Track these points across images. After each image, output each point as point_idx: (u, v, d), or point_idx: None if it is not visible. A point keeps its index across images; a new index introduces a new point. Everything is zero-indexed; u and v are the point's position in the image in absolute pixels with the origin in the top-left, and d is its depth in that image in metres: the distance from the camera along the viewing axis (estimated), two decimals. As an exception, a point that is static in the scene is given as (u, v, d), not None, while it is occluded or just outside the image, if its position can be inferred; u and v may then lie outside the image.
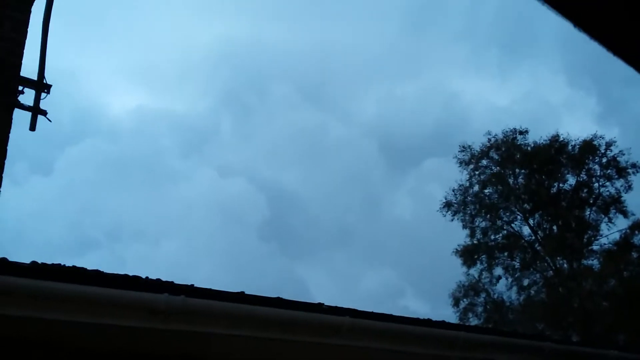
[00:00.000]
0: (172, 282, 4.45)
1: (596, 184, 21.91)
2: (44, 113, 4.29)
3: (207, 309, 3.68)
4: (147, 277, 4.49)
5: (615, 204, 21.40)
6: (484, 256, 23.04)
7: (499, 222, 23.00)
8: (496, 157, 23.17)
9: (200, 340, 3.84)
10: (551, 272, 21.49)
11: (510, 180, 22.98)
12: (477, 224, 23.19)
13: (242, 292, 5.00)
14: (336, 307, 5.20)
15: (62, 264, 4.20)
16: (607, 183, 21.66)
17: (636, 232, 20.71)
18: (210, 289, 4.55)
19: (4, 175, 3.96)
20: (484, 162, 23.40)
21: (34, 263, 3.87)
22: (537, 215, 22.57)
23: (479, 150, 23.22)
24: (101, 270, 4.47)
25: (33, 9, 4.24)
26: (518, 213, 22.88)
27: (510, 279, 22.38)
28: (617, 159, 21.39)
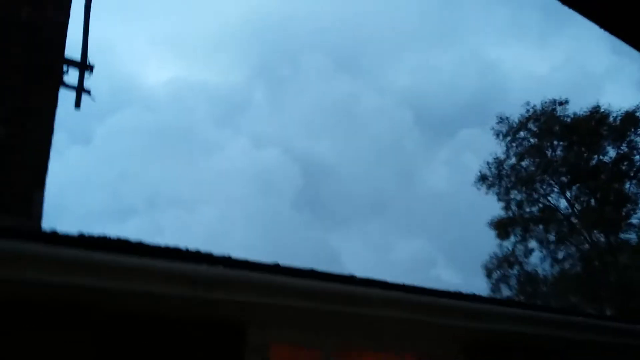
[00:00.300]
0: (210, 253, 4.68)
1: (637, 157, 21.37)
2: (88, 92, 4.48)
3: (243, 279, 3.87)
4: (186, 248, 4.73)
5: (656, 177, 20.89)
6: (518, 229, 22.88)
7: (535, 195, 22.74)
8: (534, 128, 22.77)
9: (237, 308, 4.05)
10: (587, 245, 21.23)
11: (548, 153, 22.60)
12: (512, 196, 22.99)
13: (277, 264, 5.21)
14: (367, 279, 5.37)
15: (107, 235, 4.46)
16: (649, 156, 21.12)
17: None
18: (247, 260, 4.76)
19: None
20: (522, 134, 23.04)
21: (81, 235, 4.13)
22: (574, 188, 22.21)
23: (516, 121, 22.85)
24: (143, 241, 4.73)
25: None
26: (555, 186, 22.56)
27: (544, 252, 22.21)
28: (661, 130, 20.78)
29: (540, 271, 22.12)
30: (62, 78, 4.19)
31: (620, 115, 21.06)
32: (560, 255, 21.95)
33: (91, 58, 4.59)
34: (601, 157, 21.84)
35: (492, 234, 22.94)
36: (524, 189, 22.77)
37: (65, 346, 3.41)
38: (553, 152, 22.68)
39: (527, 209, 22.87)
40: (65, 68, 4.26)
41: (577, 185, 22.04)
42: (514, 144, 22.98)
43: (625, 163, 21.32)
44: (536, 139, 22.67)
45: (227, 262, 3.85)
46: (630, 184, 21.28)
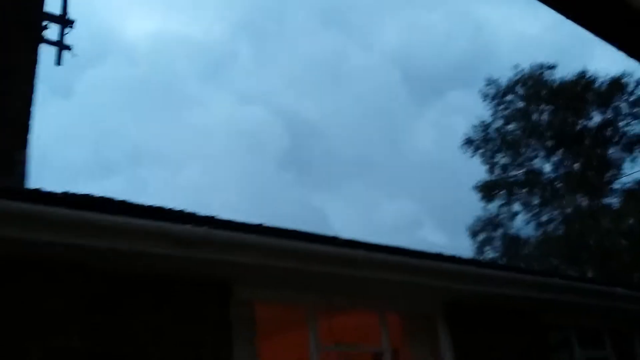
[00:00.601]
0: (196, 213, 4.70)
1: (622, 123, 21.52)
2: (69, 48, 4.40)
3: (227, 240, 3.91)
4: (172, 208, 4.74)
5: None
6: (503, 192, 23.10)
7: (520, 159, 22.89)
8: (522, 92, 22.78)
9: (222, 267, 4.09)
10: (570, 209, 21.55)
11: (535, 117, 22.68)
12: (497, 160, 23.13)
13: (261, 224, 5.24)
14: (352, 240, 5.43)
15: (92, 194, 4.45)
16: (634, 122, 21.26)
17: (660, 171, 20.52)
18: (231, 221, 4.79)
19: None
20: (509, 97, 23.04)
21: (65, 193, 4.11)
22: (559, 153, 22.39)
23: (505, 84, 22.82)
24: (128, 200, 4.72)
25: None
26: (540, 150, 22.71)
27: (528, 215, 22.50)
28: (646, 97, 20.88)
29: (523, 234, 22.48)
30: (42, 34, 4.10)
31: (607, 82, 21.13)
32: (543, 218, 22.27)
33: (71, 11, 4.48)
34: (586, 122, 21.98)
35: (477, 196, 23.18)
36: (509, 152, 22.92)
37: (54, 302, 3.44)
38: (539, 116, 22.76)
39: (512, 173, 23.07)
40: (45, 23, 4.16)
41: (562, 149, 22.21)
42: (501, 107, 23.01)
43: (610, 129, 21.48)
44: (523, 103, 22.71)
45: (212, 222, 3.88)
46: (613, 150, 21.52)
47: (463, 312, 5.88)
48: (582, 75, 21.67)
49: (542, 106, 22.55)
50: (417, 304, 5.72)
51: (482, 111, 23.53)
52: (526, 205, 22.73)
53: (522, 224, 22.55)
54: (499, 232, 22.94)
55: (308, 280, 4.64)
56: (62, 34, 4.35)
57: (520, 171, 22.96)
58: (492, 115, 23.19)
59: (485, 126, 23.19)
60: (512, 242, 22.44)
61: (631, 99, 21.17)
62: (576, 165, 22.08)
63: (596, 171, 21.45)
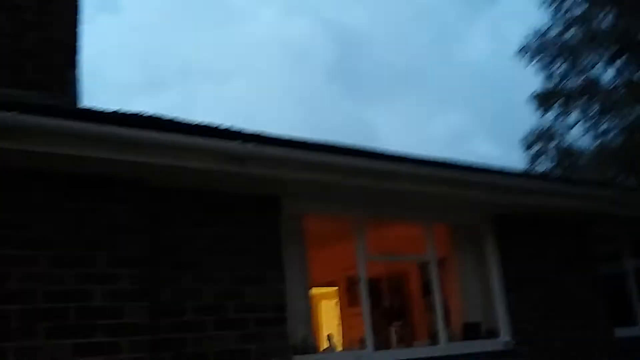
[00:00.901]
0: (244, 130, 4.82)
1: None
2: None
3: (275, 156, 4.02)
4: (220, 125, 4.87)
5: None
6: (560, 101, 22.25)
7: (579, 67, 21.81)
8: (583, -6, 21.35)
9: (271, 182, 4.24)
10: (630, 119, 20.65)
11: (596, 22, 21.33)
12: (555, 68, 22.10)
13: (307, 140, 5.33)
14: (398, 154, 5.47)
15: (143, 112, 4.61)
16: None
17: None
18: (279, 137, 4.89)
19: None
20: (569, 0, 21.66)
21: (117, 112, 4.28)
22: (621, 60, 21.18)
23: (564, -14, 21.40)
24: (177, 118, 4.87)
25: None
26: (601, 57, 21.53)
27: (585, 126, 21.72)
28: None
29: (579, 145, 21.81)
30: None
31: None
32: (601, 128, 21.46)
33: None
34: (655, 24, 20.55)
35: (532, 107, 22.43)
36: (567, 60, 21.84)
37: (118, 217, 3.68)
38: (601, 21, 21.39)
39: (570, 81, 22.10)
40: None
41: (625, 56, 20.99)
42: (559, 12, 21.70)
43: (680, 31, 20.05)
44: (584, 7, 21.33)
45: (260, 139, 3.98)
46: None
47: (510, 222, 5.93)
48: (651, -27, 20.04)
49: (605, 10, 21.14)
50: (464, 215, 5.79)
51: (539, 15, 22.31)
52: (584, 116, 21.88)
53: (578, 135, 21.83)
54: (554, 143, 22.34)
55: (355, 193, 4.76)
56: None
57: (579, 80, 21.93)
58: (549, 21, 21.96)
59: (542, 33, 22.01)
60: (567, 153, 21.83)
61: None
62: (638, 74, 20.91)
63: (661, 78, 20.28)
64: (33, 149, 3.21)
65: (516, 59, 22.43)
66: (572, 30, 21.83)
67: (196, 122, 4.84)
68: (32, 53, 3.74)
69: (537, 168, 22.35)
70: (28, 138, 3.16)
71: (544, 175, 11.40)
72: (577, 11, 21.51)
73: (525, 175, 6.35)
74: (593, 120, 21.64)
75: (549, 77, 22.21)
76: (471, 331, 5.52)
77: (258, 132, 4.99)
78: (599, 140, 21.23)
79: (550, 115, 22.42)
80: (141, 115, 4.21)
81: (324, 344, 6.22)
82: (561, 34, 21.87)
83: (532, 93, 22.42)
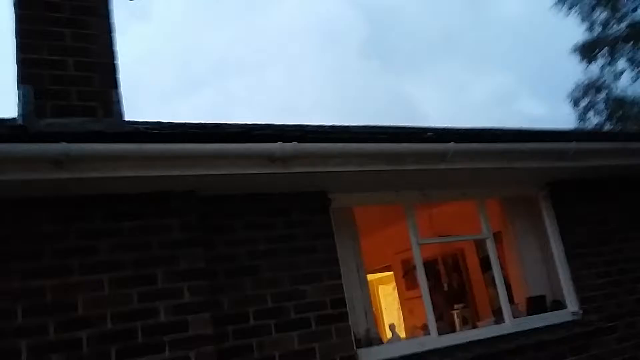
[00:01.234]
0: (283, 128, 4.81)
1: None
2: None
3: (316, 151, 3.99)
4: (260, 126, 4.88)
5: None
6: (605, 49, 21.33)
7: (621, 11, 20.81)
8: None
9: (316, 177, 4.22)
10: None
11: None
12: (596, 15, 21.16)
13: (348, 129, 5.29)
14: (441, 132, 5.35)
15: (186, 123, 4.66)
16: None
17: None
18: (319, 130, 4.87)
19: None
20: (605, -58, 20.62)
21: (160, 126, 4.34)
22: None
23: None
24: (220, 124, 4.91)
25: None
26: (644, -2, 20.47)
27: (635, 72, 20.78)
28: None
29: (630, 93, 20.88)
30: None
31: None
32: (652, 72, 20.45)
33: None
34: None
35: (576, 59, 21.57)
36: (609, 5, 20.85)
37: (169, 232, 3.74)
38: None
39: (614, 27, 21.09)
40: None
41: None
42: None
43: None
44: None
45: (300, 136, 3.95)
46: None
47: (566, 188, 5.73)
48: None
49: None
50: (517, 187, 5.63)
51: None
52: (632, 62, 20.93)
53: (627, 83, 20.92)
54: (603, 95, 21.48)
55: (401, 178, 4.68)
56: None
57: (623, 24, 20.94)
58: (586, -33, 20.97)
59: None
60: (618, 104, 20.99)
61: None
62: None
63: None
64: (86, 176, 3.29)
65: (554, 11, 21.66)
66: (610, -27, 20.85)
67: (237, 126, 4.88)
68: (74, 79, 3.81)
69: (587, 123, 21.62)
70: (80, 165, 3.24)
71: (596, 133, 10.94)
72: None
73: (576, 135, 6.06)
74: (642, 66, 20.71)
75: (590, 26, 21.35)
76: (536, 305, 5.40)
77: (298, 128, 4.99)
78: (651, 86, 20.34)
79: (596, 66, 21.65)
80: (185, 127, 4.27)
81: (387, 334, 6.21)
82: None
83: (574, 45, 21.61)
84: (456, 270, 7.61)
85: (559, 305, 5.46)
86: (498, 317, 5.23)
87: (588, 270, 5.54)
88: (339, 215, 4.66)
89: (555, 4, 21.55)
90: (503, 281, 5.24)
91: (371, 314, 4.72)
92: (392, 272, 8.85)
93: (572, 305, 5.41)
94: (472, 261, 7.36)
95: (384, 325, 8.63)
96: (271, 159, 3.84)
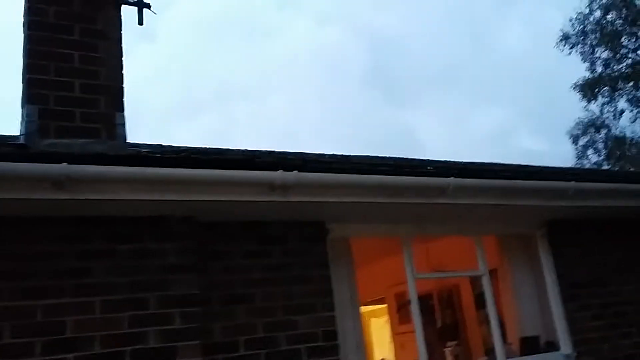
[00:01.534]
0: (285, 156, 4.82)
1: None
2: (148, 6, 4.49)
3: (317, 181, 3.99)
4: (260, 152, 4.88)
5: None
6: (605, 88, 21.53)
7: (622, 51, 21.08)
8: (622, -24, 20.63)
9: (315, 207, 4.21)
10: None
11: (638, 2, 20.57)
12: (598, 54, 21.41)
13: (349, 159, 5.29)
14: (441, 166, 5.36)
15: (188, 148, 4.66)
16: None
17: None
18: (320, 160, 4.87)
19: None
20: (608, -17, 20.97)
21: (163, 151, 4.35)
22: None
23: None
24: (221, 150, 4.91)
25: None
26: (645, 39, 20.75)
27: (635, 112, 20.95)
28: None
29: (629, 133, 21.03)
30: (121, -4, 4.23)
31: None
32: (652, 113, 20.62)
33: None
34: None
35: (577, 97, 21.75)
36: (610, 45, 21.10)
37: (165, 256, 3.72)
38: (642, 1, 20.59)
39: (615, 67, 21.32)
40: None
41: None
42: (597, -3, 21.00)
43: None
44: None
45: (301, 165, 3.96)
46: None
47: (564, 227, 5.71)
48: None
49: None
50: (514, 224, 5.62)
51: (576, 2, 21.63)
52: (632, 102, 21.13)
53: (627, 123, 21.07)
54: (602, 133, 21.62)
55: (400, 211, 4.68)
56: (140, -6, 4.44)
57: (624, 64, 21.18)
58: (587, 6, 21.28)
59: (582, 17, 21.34)
60: (618, 143, 21.12)
61: None
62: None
63: None
64: (85, 197, 3.28)
65: (555, 49, 21.92)
66: (612, 14, 21.15)
67: (238, 152, 4.88)
68: (80, 101, 3.83)
69: (586, 161, 21.71)
70: (80, 187, 3.23)
71: (596, 172, 10.98)
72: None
73: (576, 173, 6.07)
74: (642, 106, 20.88)
75: (592, 64, 21.59)
76: (530, 345, 5.35)
77: (299, 156, 5.00)
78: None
79: (596, 105, 21.82)
80: (187, 152, 4.27)
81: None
82: (602, 18, 21.21)
83: (575, 83, 21.80)
84: (450, 307, 7.54)
85: (553, 346, 5.41)
86: (491, 357, 5.18)
87: (583, 312, 5.50)
88: (336, 245, 4.65)
89: (558, 42, 21.83)
90: (497, 320, 5.20)
91: (363, 348, 4.67)
92: (385, 305, 8.76)
93: (566, 347, 5.35)
94: (467, 298, 7.30)
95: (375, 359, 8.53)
96: (272, 187, 3.83)
